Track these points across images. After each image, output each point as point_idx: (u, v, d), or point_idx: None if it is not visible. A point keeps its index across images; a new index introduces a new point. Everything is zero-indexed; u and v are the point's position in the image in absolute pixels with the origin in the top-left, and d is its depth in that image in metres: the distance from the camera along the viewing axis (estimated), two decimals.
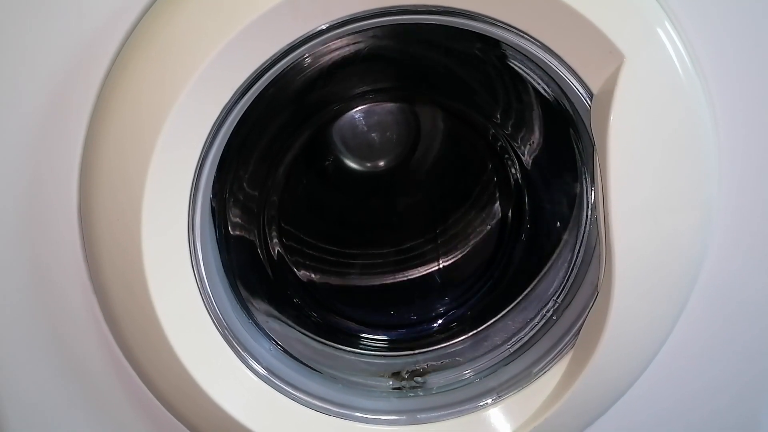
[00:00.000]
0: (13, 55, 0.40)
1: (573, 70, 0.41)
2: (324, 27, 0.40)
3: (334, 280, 0.67)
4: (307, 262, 0.67)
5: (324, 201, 0.71)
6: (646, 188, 0.42)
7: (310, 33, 0.40)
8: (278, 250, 0.65)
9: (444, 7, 0.39)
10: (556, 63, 0.41)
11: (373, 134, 0.68)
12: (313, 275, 0.67)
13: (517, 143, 0.61)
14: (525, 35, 0.40)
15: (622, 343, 0.47)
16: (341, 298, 0.67)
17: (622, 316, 0.45)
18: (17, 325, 0.46)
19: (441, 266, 0.67)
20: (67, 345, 0.47)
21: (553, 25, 0.39)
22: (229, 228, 0.59)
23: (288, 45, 0.40)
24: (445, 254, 0.67)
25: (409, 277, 0.68)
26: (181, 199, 0.43)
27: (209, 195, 0.48)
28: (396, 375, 0.59)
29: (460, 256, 0.67)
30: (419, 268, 0.68)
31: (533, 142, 0.59)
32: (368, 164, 0.70)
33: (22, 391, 0.48)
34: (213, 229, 0.52)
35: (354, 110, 0.65)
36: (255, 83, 0.42)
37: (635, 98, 0.40)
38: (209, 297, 0.46)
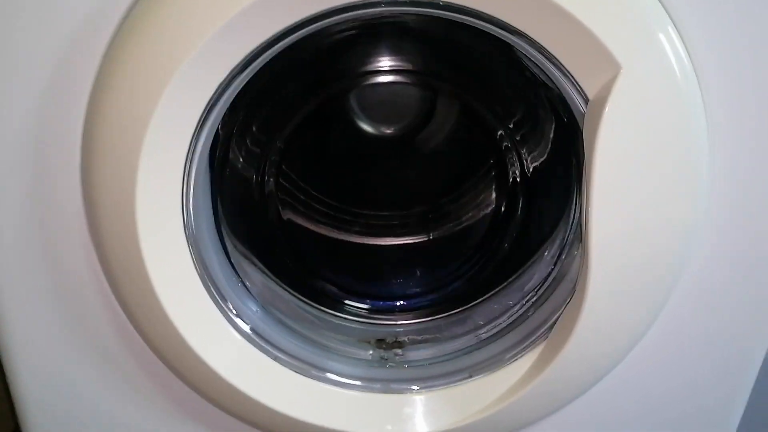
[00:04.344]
0: (18, 21, 0.41)
1: (570, 75, 0.41)
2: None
3: (322, 230, 0.69)
4: (299, 208, 0.68)
5: (329, 156, 0.72)
6: (628, 197, 0.42)
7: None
8: (271, 190, 0.66)
9: (445, 2, 0.39)
10: (552, 67, 0.41)
11: (388, 103, 0.68)
12: (300, 220, 0.68)
13: (523, 150, 0.61)
14: (524, 35, 0.40)
15: (592, 342, 0.48)
16: (327, 259, 0.68)
17: (594, 317, 0.47)
18: (22, 276, 0.49)
19: (430, 237, 0.69)
20: (69, 298, 0.50)
21: (551, 30, 0.39)
22: (228, 172, 0.60)
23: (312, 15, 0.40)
24: (435, 228, 0.69)
25: (397, 243, 0.69)
26: (183, 141, 0.44)
27: (212, 134, 0.47)
28: (380, 342, 0.62)
29: (449, 232, 0.68)
30: (408, 237, 0.69)
31: (538, 152, 0.59)
32: (378, 129, 0.71)
33: (28, 341, 0.51)
34: (209, 187, 0.53)
35: (375, 80, 0.65)
36: (281, 41, 0.42)
37: (628, 108, 0.40)
38: (202, 260, 0.48)
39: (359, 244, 0.69)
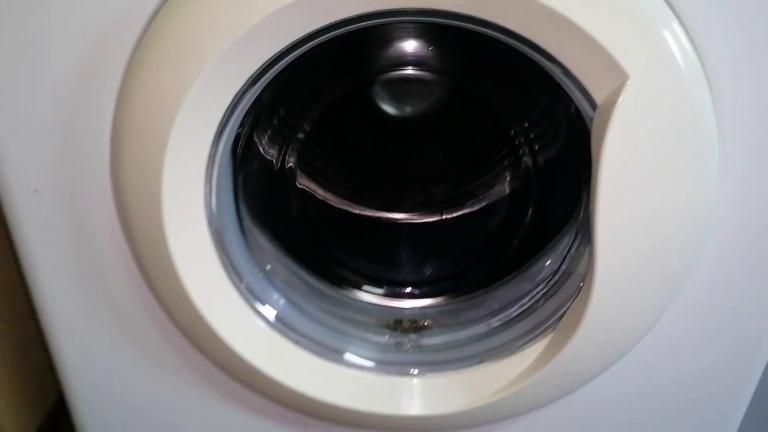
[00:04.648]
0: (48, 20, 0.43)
1: (578, 82, 0.41)
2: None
3: (339, 204, 0.71)
4: (319, 184, 0.70)
5: (350, 135, 0.74)
6: (634, 201, 0.43)
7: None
8: (292, 167, 0.68)
9: (451, 11, 0.39)
10: (560, 74, 0.41)
11: (409, 93, 0.70)
12: (319, 192, 0.70)
13: (535, 147, 0.62)
14: (533, 44, 0.40)
15: (598, 336, 0.49)
16: (345, 240, 0.71)
17: (600, 313, 0.48)
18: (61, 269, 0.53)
19: (443, 217, 0.71)
20: (104, 285, 0.54)
21: (558, 39, 0.39)
22: (251, 154, 0.62)
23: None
24: (448, 208, 0.71)
25: (411, 220, 0.71)
26: (205, 141, 0.46)
27: (236, 127, 0.49)
28: (397, 324, 0.65)
29: (462, 214, 0.70)
30: (421, 214, 0.71)
31: (550, 150, 0.60)
32: (397, 115, 0.72)
33: (68, 322, 0.56)
34: (231, 179, 0.56)
35: (398, 74, 0.66)
36: (311, 40, 0.42)
37: (635, 114, 0.40)
38: (226, 252, 0.51)
39: (375, 220, 0.72)
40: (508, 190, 0.67)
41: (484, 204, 0.68)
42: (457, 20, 0.40)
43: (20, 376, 0.80)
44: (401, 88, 0.69)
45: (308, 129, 0.67)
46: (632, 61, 0.38)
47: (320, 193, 0.70)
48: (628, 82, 0.39)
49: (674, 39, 0.40)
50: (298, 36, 0.42)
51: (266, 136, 0.64)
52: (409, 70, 0.64)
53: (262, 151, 0.65)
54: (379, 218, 0.72)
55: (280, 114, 0.65)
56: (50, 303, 0.54)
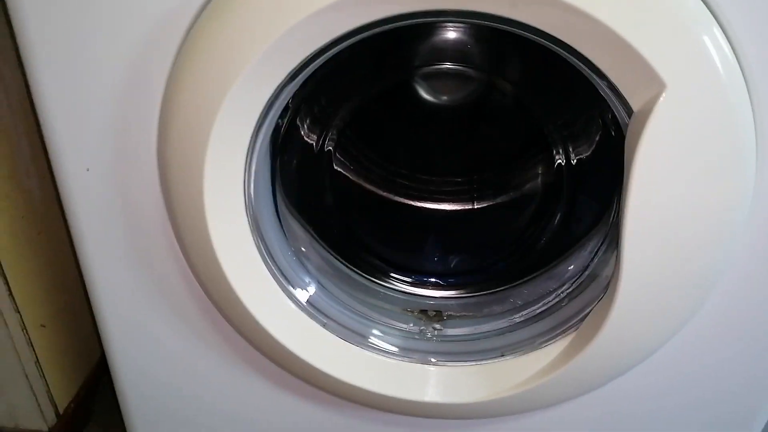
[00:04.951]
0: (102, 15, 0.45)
1: (616, 89, 0.41)
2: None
3: (375, 189, 0.73)
4: (355, 172, 0.72)
5: (389, 125, 0.75)
6: (664, 210, 0.43)
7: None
8: (330, 153, 0.70)
9: (485, 12, 0.40)
10: (598, 79, 0.41)
11: (448, 85, 0.71)
12: (352, 177, 0.72)
13: (569, 146, 0.62)
14: (570, 49, 0.40)
15: (619, 340, 0.50)
16: (378, 229, 0.72)
17: (623, 318, 0.48)
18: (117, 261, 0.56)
19: (474, 207, 0.72)
20: (148, 264, 0.57)
21: (598, 47, 0.39)
22: (290, 142, 0.64)
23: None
24: (480, 198, 0.71)
25: (443, 208, 0.72)
26: (245, 135, 0.47)
27: (275, 118, 0.50)
28: (422, 313, 0.67)
29: (493, 205, 0.70)
30: (454, 204, 0.72)
31: (583, 150, 0.59)
32: (435, 106, 0.73)
33: (114, 295, 0.59)
34: (269, 168, 0.57)
35: (438, 68, 0.68)
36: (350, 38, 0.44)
37: (671, 123, 0.40)
38: (263, 239, 0.54)
39: (407, 208, 0.73)
40: (539, 187, 0.67)
41: (515, 197, 0.69)
42: (496, 22, 0.41)
43: (66, 337, 0.85)
44: (439, 82, 0.69)
45: (347, 118, 0.68)
46: (671, 70, 0.38)
47: (354, 179, 0.72)
48: (665, 91, 0.39)
49: (714, 45, 0.39)
50: (337, 35, 0.43)
51: (305, 125, 0.66)
52: (448, 65, 0.65)
53: (301, 138, 0.66)
54: (411, 206, 0.73)
55: (321, 104, 0.66)
56: (96, 272, 0.58)
